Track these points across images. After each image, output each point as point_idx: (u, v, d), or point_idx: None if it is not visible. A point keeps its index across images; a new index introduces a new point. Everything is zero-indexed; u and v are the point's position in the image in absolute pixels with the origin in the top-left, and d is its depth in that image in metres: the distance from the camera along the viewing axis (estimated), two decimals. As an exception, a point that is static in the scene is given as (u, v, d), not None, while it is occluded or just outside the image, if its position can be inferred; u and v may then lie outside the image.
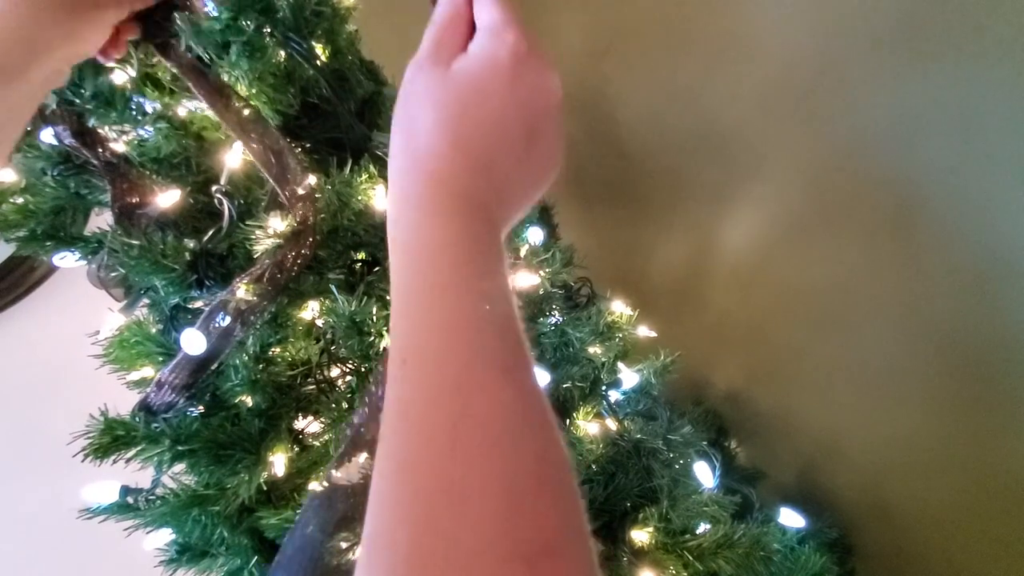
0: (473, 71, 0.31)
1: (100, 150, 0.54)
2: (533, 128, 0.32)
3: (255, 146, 0.50)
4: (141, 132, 0.55)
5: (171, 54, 0.48)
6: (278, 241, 0.52)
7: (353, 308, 0.56)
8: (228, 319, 0.52)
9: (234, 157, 0.54)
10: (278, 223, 0.52)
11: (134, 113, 0.54)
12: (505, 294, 0.27)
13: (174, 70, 0.49)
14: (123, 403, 0.59)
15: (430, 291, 0.26)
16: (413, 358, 0.24)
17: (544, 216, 0.81)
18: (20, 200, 0.59)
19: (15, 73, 0.42)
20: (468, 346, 0.24)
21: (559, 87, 0.33)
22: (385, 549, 0.20)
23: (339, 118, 0.60)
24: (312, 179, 0.53)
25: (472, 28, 0.33)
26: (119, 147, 0.56)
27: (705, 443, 0.83)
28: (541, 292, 0.71)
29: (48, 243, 0.62)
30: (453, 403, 0.22)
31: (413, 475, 0.21)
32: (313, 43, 0.55)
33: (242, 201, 0.55)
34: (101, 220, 0.63)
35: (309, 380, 0.66)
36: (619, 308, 0.80)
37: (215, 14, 0.49)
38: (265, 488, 0.63)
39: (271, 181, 0.51)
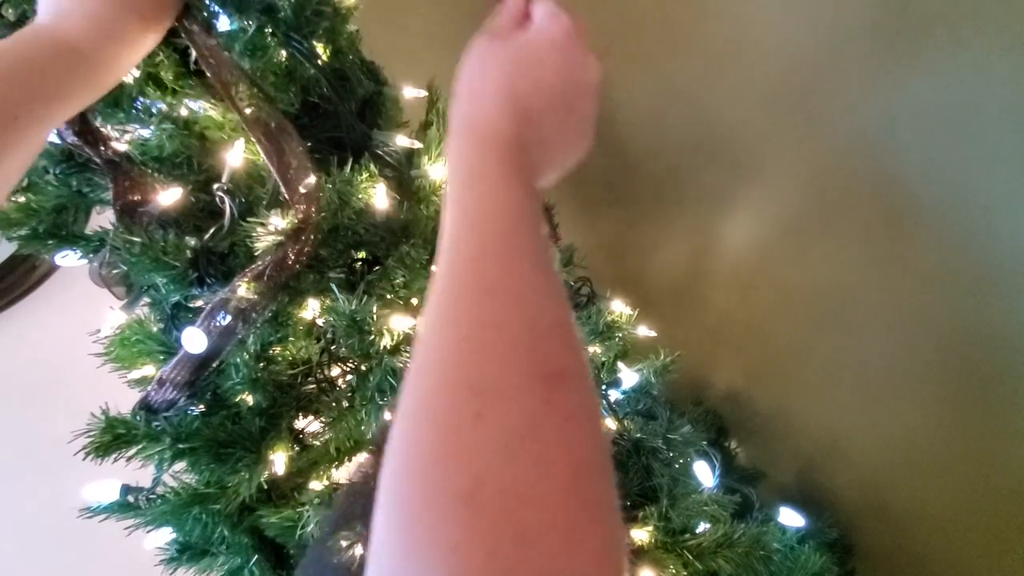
0: (531, 40, 0.37)
1: (102, 148, 0.54)
2: (573, 100, 0.37)
3: (262, 142, 0.50)
4: (144, 132, 0.55)
5: (194, 38, 0.48)
6: (279, 238, 0.52)
7: (354, 307, 0.56)
8: (229, 317, 0.52)
9: (236, 155, 0.54)
10: (279, 221, 0.52)
11: (139, 113, 0.54)
12: (539, 232, 0.32)
13: (195, 52, 0.49)
14: (124, 402, 0.59)
15: (481, 206, 0.31)
16: (462, 243, 0.30)
17: (544, 216, 0.81)
18: (22, 198, 0.59)
19: (120, 74, 0.44)
20: (506, 247, 0.30)
21: (600, 72, 0.38)
22: (432, 366, 0.26)
23: (340, 117, 0.60)
24: (312, 178, 0.53)
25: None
26: (121, 145, 0.56)
27: (705, 443, 0.83)
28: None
29: (50, 241, 0.62)
30: (493, 271, 0.28)
31: (458, 314, 0.27)
32: (314, 43, 0.55)
33: (244, 199, 0.56)
34: (103, 219, 0.63)
35: (309, 379, 0.66)
36: (619, 308, 0.80)
37: (230, 26, 0.49)
38: (265, 487, 0.63)
39: (275, 176, 0.52)
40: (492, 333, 0.26)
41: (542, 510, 0.21)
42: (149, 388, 0.58)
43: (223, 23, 0.50)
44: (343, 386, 0.66)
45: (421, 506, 0.22)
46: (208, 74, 0.50)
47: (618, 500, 0.25)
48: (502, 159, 0.33)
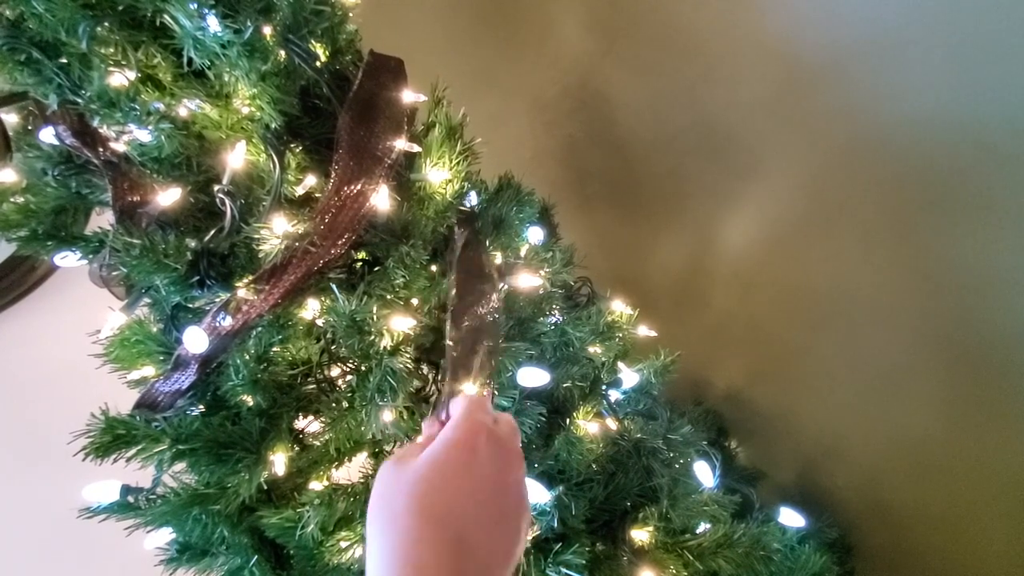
0: (433, 455, 0.36)
1: (101, 149, 0.54)
2: (500, 490, 0.36)
3: None
4: (143, 133, 0.55)
5: None
6: (288, 242, 0.52)
7: (353, 307, 0.56)
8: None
9: (236, 157, 0.54)
10: (285, 225, 0.52)
11: (137, 113, 0.54)
12: None
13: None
14: (124, 402, 0.59)
15: None
16: None
17: (544, 216, 0.81)
18: (21, 200, 0.59)
19: None
20: None
21: (520, 455, 0.38)
22: None
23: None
24: (312, 179, 0.53)
25: None
26: (120, 146, 0.55)
27: (705, 443, 0.83)
28: (541, 292, 0.71)
29: (49, 243, 0.62)
30: None
31: None
32: (313, 43, 0.55)
33: (243, 201, 0.55)
34: (102, 220, 0.63)
35: (309, 379, 0.66)
36: (619, 308, 0.80)
37: (218, 29, 0.49)
38: (265, 487, 0.63)
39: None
40: None
41: None
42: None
43: (213, 23, 0.49)
44: (343, 386, 0.66)
45: None
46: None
47: None
48: None
